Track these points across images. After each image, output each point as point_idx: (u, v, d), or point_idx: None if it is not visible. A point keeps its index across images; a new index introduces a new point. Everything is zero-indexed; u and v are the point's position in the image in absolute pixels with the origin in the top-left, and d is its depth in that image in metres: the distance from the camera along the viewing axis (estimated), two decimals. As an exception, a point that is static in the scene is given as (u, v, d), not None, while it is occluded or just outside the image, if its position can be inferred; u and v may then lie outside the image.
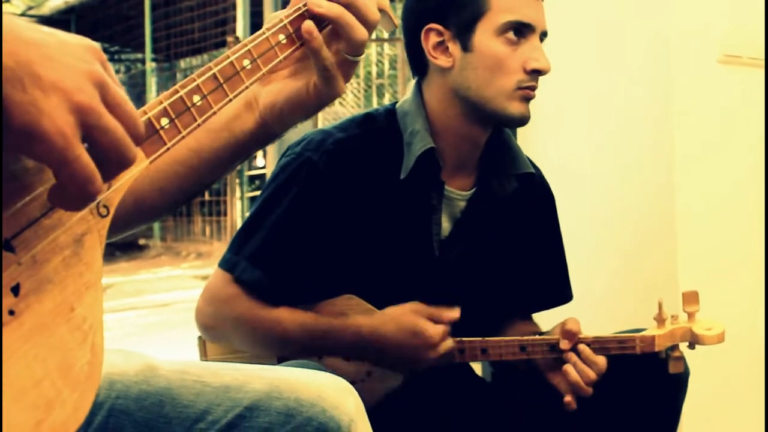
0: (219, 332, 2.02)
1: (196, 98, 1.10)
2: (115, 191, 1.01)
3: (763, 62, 3.04)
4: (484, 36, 1.95)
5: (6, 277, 0.88)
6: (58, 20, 15.65)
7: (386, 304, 1.97)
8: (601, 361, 1.95)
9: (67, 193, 0.85)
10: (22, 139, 0.81)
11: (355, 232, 1.99)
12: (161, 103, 1.06)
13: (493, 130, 2.08)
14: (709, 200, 2.96)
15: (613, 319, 2.35)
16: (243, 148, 1.36)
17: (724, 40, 2.96)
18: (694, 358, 2.07)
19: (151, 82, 16.58)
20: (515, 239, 2.18)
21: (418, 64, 2.05)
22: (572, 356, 1.96)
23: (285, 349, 1.96)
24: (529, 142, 3.01)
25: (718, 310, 2.13)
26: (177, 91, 1.08)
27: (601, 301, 2.93)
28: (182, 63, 18.74)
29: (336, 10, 1.26)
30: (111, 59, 20.81)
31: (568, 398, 1.97)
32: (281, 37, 1.24)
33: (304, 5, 1.28)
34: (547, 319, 2.26)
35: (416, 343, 1.93)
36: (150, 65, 16.54)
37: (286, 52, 1.25)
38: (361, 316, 1.96)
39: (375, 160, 2.01)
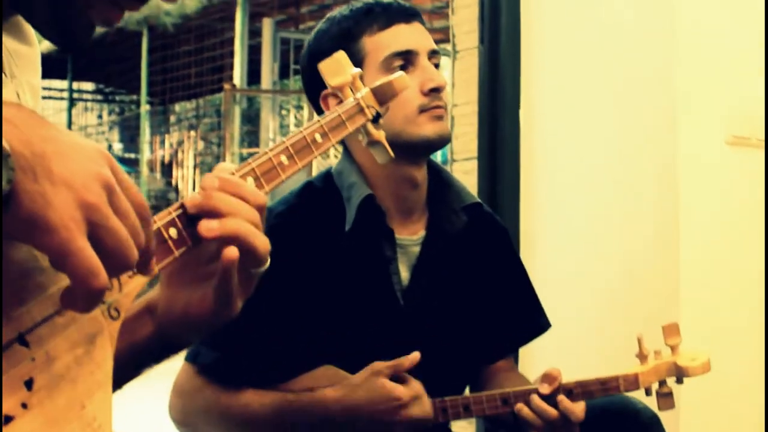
0: (191, 425, 2.00)
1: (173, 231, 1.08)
2: (126, 296, 1.02)
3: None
4: (372, 78, 1.89)
5: (20, 371, 0.89)
6: (55, 59, 15.66)
7: (360, 364, 1.93)
8: (579, 408, 1.90)
9: (75, 292, 0.86)
10: (28, 227, 0.83)
11: (314, 298, 1.97)
12: (170, 213, 1.06)
13: (432, 171, 2.09)
14: (713, 276, 2.96)
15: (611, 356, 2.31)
16: (140, 356, 1.20)
17: (731, 121, 2.96)
18: (693, 390, 2.04)
19: (145, 124, 16.61)
20: (477, 274, 2.15)
21: None
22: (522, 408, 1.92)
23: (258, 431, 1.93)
24: (535, 221, 3.00)
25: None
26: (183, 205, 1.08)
27: (601, 338, 2.91)
28: (177, 107, 18.81)
29: (231, 227, 1.08)
30: (105, 100, 20.89)
31: None
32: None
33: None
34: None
35: (385, 407, 1.89)
36: (144, 108, 16.58)
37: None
38: (329, 389, 1.91)
39: (319, 223, 2.01)
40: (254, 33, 14.47)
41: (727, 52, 2.98)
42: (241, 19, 14.03)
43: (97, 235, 0.86)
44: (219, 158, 15.08)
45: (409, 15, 2.02)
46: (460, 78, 3.37)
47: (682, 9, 2.88)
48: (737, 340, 3.03)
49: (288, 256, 1.93)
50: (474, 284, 2.14)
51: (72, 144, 0.87)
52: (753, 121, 3.02)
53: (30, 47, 1.29)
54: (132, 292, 1.03)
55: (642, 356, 1.95)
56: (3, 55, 1.19)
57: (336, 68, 1.46)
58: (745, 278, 3.05)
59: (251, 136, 15.37)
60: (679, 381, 1.95)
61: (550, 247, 2.53)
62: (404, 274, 2.06)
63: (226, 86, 13.38)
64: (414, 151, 2.00)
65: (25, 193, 0.82)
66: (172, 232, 1.06)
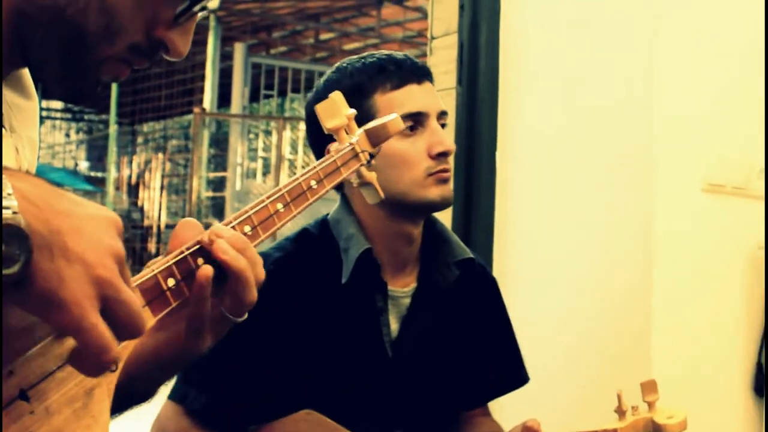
0: None
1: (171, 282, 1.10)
2: (124, 348, 1.05)
3: (746, 191, 3.06)
4: None
5: (20, 426, 0.92)
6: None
7: (347, 413, 1.93)
8: None
9: (84, 359, 0.89)
10: (42, 304, 0.85)
11: (305, 346, 1.97)
12: (168, 263, 1.09)
13: (426, 223, 2.09)
14: (686, 319, 2.97)
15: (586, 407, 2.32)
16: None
17: (708, 169, 2.97)
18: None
19: (112, 144, 16.57)
20: (464, 326, 2.16)
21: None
22: None
23: None
24: (509, 266, 3.00)
25: None
26: (183, 252, 1.11)
27: (577, 391, 2.92)
28: (145, 127, 18.77)
29: (242, 263, 1.12)
30: (73, 119, 20.81)
31: None
32: (171, 282, 1.09)
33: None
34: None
35: None
36: (113, 128, 16.54)
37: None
38: None
39: (315, 271, 2.01)
40: (226, 57, 14.50)
41: (704, 101, 3.00)
42: (213, 43, 14.05)
43: (110, 308, 0.89)
44: (186, 180, 15.06)
45: (422, 75, 2.02)
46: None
47: (660, 60, 2.90)
48: (711, 392, 3.04)
49: (282, 302, 1.95)
50: (460, 336, 2.15)
51: (86, 216, 0.90)
52: (728, 169, 3.03)
53: (30, 101, 1.30)
54: (130, 344, 1.05)
55: (621, 411, 1.96)
56: (3, 108, 1.19)
57: (332, 110, 1.46)
58: (718, 326, 3.06)
59: (219, 159, 15.36)
60: None
61: (523, 294, 2.53)
62: (394, 325, 2.06)
63: (196, 109, 13.37)
64: (417, 211, 2.02)
65: (41, 272, 0.84)
66: (170, 282, 1.08)
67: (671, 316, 2.91)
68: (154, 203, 16.85)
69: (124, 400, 1.19)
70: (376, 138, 1.47)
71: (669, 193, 2.91)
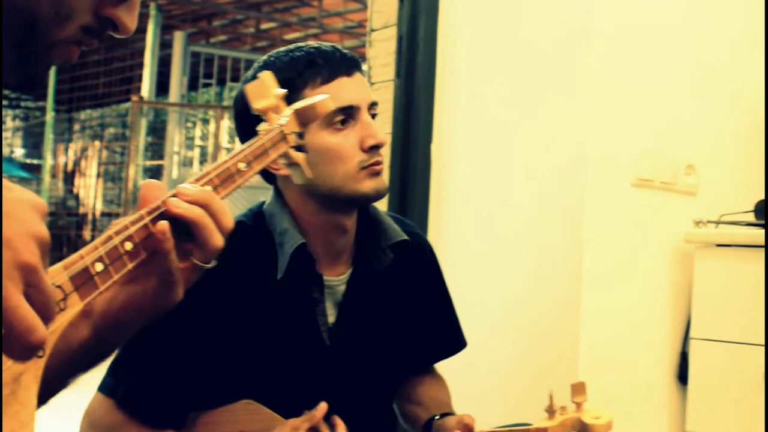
0: None
1: (128, 245, 1.13)
2: (51, 333, 1.03)
3: (674, 186, 3.14)
4: (312, 133, 1.95)
5: None
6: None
7: (288, 402, 1.96)
8: None
9: (11, 341, 0.88)
10: None
11: (241, 336, 1.98)
12: (96, 248, 1.09)
13: (360, 210, 2.11)
14: (614, 308, 3.05)
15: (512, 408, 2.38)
16: (75, 363, 1.26)
17: (637, 164, 3.04)
18: None
19: (49, 131, 16.39)
20: (403, 305, 2.20)
21: (267, 177, 2.08)
22: None
23: None
24: (442, 256, 3.05)
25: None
26: (111, 237, 1.11)
27: (506, 389, 2.97)
28: (82, 114, 18.58)
29: (196, 212, 1.19)
30: (9, 106, 20.52)
31: None
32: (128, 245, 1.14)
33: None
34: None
35: None
36: (50, 115, 16.36)
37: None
38: None
39: (250, 264, 2.02)
40: (165, 45, 14.41)
41: (635, 97, 3.07)
42: (153, 31, 13.96)
43: (29, 294, 0.89)
44: (122, 168, 14.94)
45: (351, 66, 2.02)
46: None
47: (593, 56, 2.96)
48: (638, 379, 3.13)
49: (217, 294, 1.96)
50: (398, 315, 2.19)
51: (13, 200, 0.91)
52: (657, 165, 3.11)
53: None
54: (58, 329, 1.04)
55: (551, 411, 2.02)
56: None
57: (261, 90, 1.46)
58: (645, 316, 3.14)
59: (156, 147, 15.26)
60: None
61: (454, 285, 2.57)
62: (330, 312, 2.09)
63: (134, 98, 13.29)
64: (351, 204, 2.04)
65: None
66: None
67: (600, 306, 2.98)
68: (90, 191, 16.70)
69: (90, 357, 1.24)
70: (305, 118, 1.46)
71: (599, 187, 2.97)
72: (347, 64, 2.02)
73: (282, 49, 2.07)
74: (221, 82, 16.56)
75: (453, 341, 2.35)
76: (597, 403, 2.06)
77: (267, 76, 1.47)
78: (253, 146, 1.35)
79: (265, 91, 1.46)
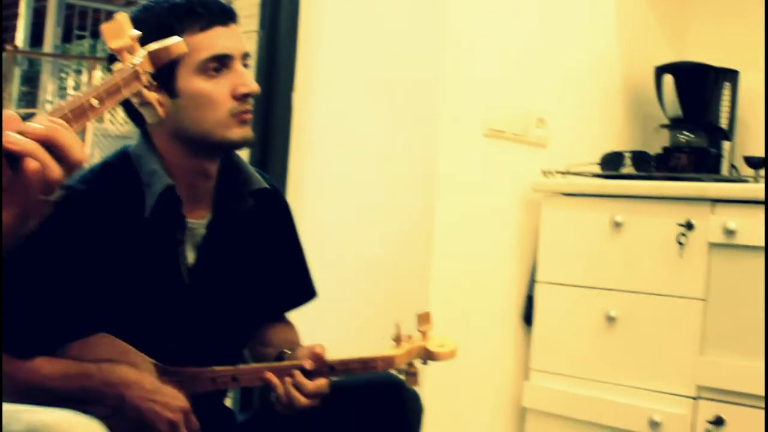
0: None
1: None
2: None
3: (524, 138, 3.29)
4: (186, 79, 2.00)
5: None
6: None
7: (147, 338, 2.02)
8: (320, 384, 2.04)
9: None
10: None
11: (105, 273, 2.02)
12: None
13: (223, 156, 2.16)
14: (465, 254, 3.20)
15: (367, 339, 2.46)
16: None
17: (489, 114, 3.18)
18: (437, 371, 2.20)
19: None
20: (259, 251, 2.26)
21: (137, 120, 2.09)
22: (287, 381, 2.03)
23: (44, 399, 1.88)
24: (302, 202, 3.15)
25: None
26: None
27: (360, 322, 3.08)
28: (-48, 63, 18.09)
29: (29, 147, 1.15)
30: None
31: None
32: None
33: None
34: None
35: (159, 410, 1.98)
36: None
37: None
38: (131, 371, 1.99)
39: (117, 204, 2.05)
40: (39, -4, 14.12)
41: (490, 51, 3.20)
42: (27, -19, 13.68)
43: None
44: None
45: (228, 17, 2.05)
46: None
47: (448, 9, 3.06)
48: (486, 320, 3.29)
49: (82, 231, 1.99)
50: (254, 260, 2.25)
51: None
52: (508, 117, 3.24)
53: None
54: None
55: (398, 339, 2.09)
56: None
57: (117, 31, 1.46)
58: (494, 262, 3.30)
59: (30, 97, 14.94)
60: (425, 362, 2.11)
61: (313, 229, 2.66)
62: (190, 253, 2.13)
63: (9, 47, 13.03)
64: (218, 150, 2.09)
65: None
66: None
67: (450, 249, 3.12)
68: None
69: None
70: (158, 59, 1.48)
71: (452, 135, 3.10)
72: (225, 14, 2.05)
73: None
74: (95, 35, 16.25)
75: (303, 291, 2.40)
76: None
77: (122, 17, 1.48)
78: (107, 84, 1.36)
79: (120, 31, 1.46)
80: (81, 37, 15.86)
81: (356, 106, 3.27)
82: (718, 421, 2.89)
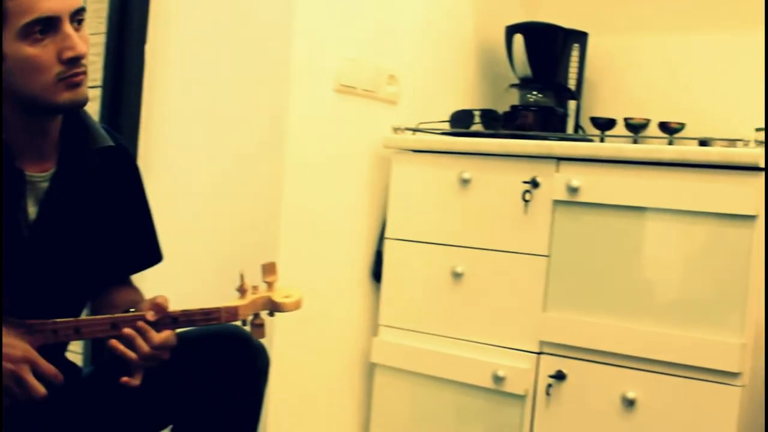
0: None
1: None
2: None
3: (375, 94, 3.31)
4: (10, 43, 1.94)
5: None
6: None
7: None
8: (166, 336, 2.03)
9: None
10: None
11: None
12: None
13: (63, 114, 2.12)
14: (315, 210, 3.22)
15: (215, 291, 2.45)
16: None
17: (340, 70, 3.18)
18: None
19: None
20: (103, 210, 2.23)
21: None
22: (129, 332, 2.01)
23: None
24: (153, 153, 3.11)
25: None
26: None
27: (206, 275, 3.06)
28: None
29: None
30: None
31: (124, 378, 2.03)
32: None
33: None
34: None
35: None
36: None
37: None
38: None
39: None
40: None
41: (340, 6, 3.20)
42: None
43: None
44: None
45: None
46: (91, 9, 3.39)
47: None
48: (336, 276, 3.31)
49: None
50: (99, 218, 2.22)
51: None
52: (360, 73, 3.25)
53: None
54: None
55: (242, 290, 2.08)
56: None
57: None
58: (344, 218, 3.32)
59: None
60: (272, 314, 2.12)
61: (165, 179, 2.63)
62: (32, 207, 2.10)
63: None
64: (48, 112, 2.05)
65: None
66: None
67: (299, 203, 3.13)
68: None
69: None
70: None
71: (302, 90, 3.09)
72: None
73: None
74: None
75: (148, 254, 2.39)
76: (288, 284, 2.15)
77: None
78: None
79: None
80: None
81: (209, 59, 3.24)
82: (560, 376, 2.97)
